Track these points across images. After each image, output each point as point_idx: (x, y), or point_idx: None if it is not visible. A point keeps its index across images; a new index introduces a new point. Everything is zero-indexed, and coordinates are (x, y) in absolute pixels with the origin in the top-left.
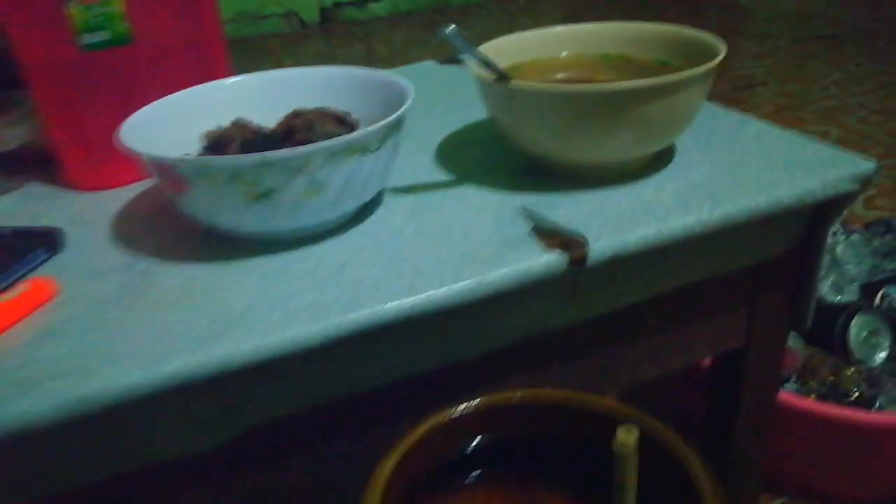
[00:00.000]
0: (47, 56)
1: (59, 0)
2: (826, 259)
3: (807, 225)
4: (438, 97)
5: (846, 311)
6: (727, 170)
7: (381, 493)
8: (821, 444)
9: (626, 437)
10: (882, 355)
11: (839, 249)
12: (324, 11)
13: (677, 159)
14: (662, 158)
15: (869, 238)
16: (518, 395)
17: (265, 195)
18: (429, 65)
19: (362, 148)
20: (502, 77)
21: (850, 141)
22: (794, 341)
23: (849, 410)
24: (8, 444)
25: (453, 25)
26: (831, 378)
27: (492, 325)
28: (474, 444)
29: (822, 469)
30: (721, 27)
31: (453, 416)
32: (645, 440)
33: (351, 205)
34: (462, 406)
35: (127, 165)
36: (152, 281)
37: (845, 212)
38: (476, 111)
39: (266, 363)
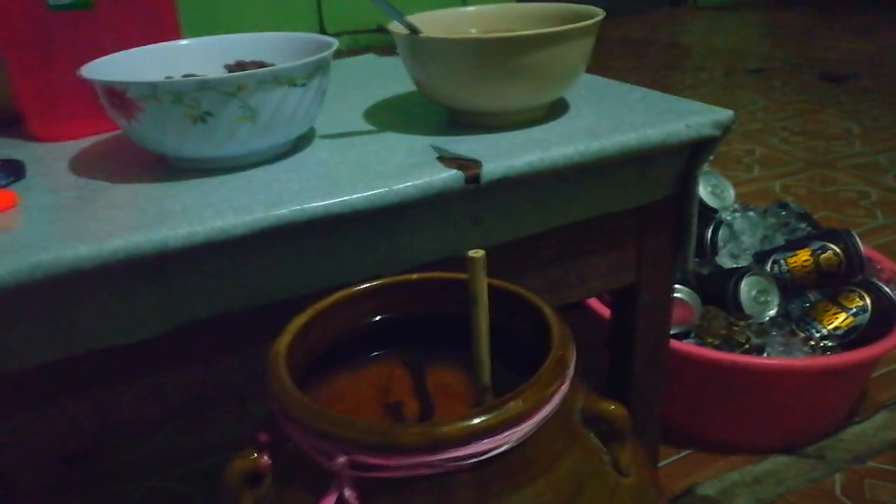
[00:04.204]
0: (19, 14)
1: None
2: (725, 232)
3: (681, 172)
4: (373, 78)
5: (738, 273)
6: (610, 119)
7: (286, 349)
8: (718, 392)
9: (476, 252)
10: (771, 313)
11: (737, 223)
12: None
13: (570, 113)
14: (557, 112)
15: (763, 213)
16: (415, 276)
17: (203, 119)
18: (369, 56)
19: (289, 80)
20: (415, 30)
21: (773, 157)
22: (692, 300)
23: (739, 356)
24: None
25: None
26: (724, 331)
27: (406, 242)
28: (376, 319)
29: (721, 419)
30: (661, 62)
31: (357, 291)
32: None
33: (280, 135)
34: (365, 284)
35: (85, 120)
36: (103, 194)
37: (711, 157)
38: (405, 87)
39: (198, 251)
